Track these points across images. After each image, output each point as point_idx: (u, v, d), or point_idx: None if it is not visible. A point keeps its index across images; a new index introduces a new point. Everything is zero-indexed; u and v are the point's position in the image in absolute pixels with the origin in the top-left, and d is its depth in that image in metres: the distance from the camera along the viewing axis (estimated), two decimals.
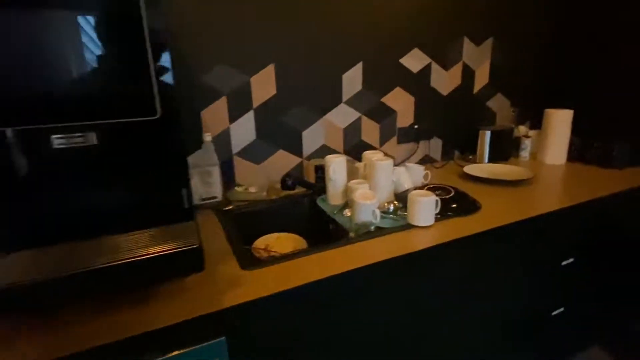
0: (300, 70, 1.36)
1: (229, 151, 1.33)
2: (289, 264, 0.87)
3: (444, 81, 1.68)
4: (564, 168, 1.61)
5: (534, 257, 1.22)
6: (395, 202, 1.13)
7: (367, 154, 1.26)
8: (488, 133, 1.70)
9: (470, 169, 1.54)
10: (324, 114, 1.46)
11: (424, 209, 1.01)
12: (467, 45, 1.68)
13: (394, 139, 1.64)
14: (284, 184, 1.15)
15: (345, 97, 1.48)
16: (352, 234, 1.01)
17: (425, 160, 1.74)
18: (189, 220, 0.81)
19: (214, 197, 1.26)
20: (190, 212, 0.80)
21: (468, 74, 1.73)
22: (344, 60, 1.43)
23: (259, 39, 1.27)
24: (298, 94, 1.38)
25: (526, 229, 1.13)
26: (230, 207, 1.25)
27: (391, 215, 1.08)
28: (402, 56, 1.54)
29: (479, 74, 1.76)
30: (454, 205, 1.13)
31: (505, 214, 1.12)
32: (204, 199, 1.25)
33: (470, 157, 1.77)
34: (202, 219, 1.15)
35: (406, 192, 1.23)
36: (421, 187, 1.22)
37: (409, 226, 1.03)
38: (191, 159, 1.21)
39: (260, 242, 1.24)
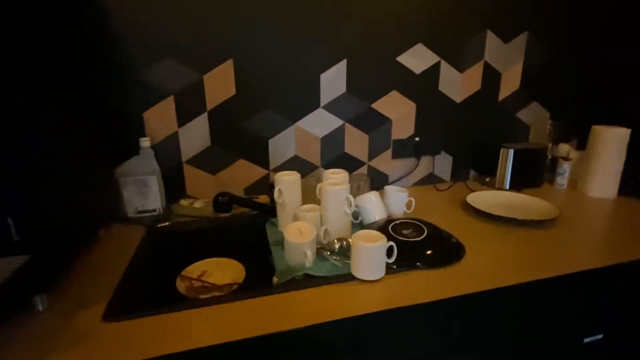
0: (266, 66, 1.15)
1: (178, 158, 1.16)
2: (170, 319, 0.67)
3: (458, 85, 1.36)
4: (613, 205, 1.22)
5: (537, 330, 0.89)
6: (349, 239, 0.87)
7: (328, 172, 1.01)
8: (510, 152, 1.35)
9: (476, 197, 1.21)
10: (297, 119, 1.23)
11: (369, 257, 0.75)
12: (492, 41, 1.34)
13: (388, 153, 1.36)
14: (216, 204, 0.95)
15: (324, 101, 1.24)
16: (275, 279, 0.79)
17: (429, 180, 1.44)
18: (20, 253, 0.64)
19: (152, 211, 1.10)
20: (20, 245, 0.63)
21: (491, 77, 1.39)
22: (324, 56, 1.19)
23: (214, 28, 1.08)
24: (263, 96, 1.17)
25: (527, 294, 0.81)
26: (166, 223, 1.08)
27: (334, 258, 0.83)
28: (400, 53, 1.26)
29: (508, 77, 1.41)
30: (429, 252, 0.85)
31: (496, 270, 0.81)
32: (139, 212, 1.09)
33: (488, 179, 1.43)
34: (125, 237, 0.99)
35: (374, 224, 0.97)
36: (395, 221, 0.95)
37: (348, 277, 0.77)
38: (126, 166, 1.06)
39: (196, 268, 1.06)
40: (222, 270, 1.07)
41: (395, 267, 0.79)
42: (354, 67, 1.23)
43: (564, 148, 1.44)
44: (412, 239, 0.86)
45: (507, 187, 1.38)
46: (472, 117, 1.42)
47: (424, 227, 0.91)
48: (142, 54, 1.05)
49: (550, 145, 1.47)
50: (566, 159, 1.37)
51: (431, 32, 1.27)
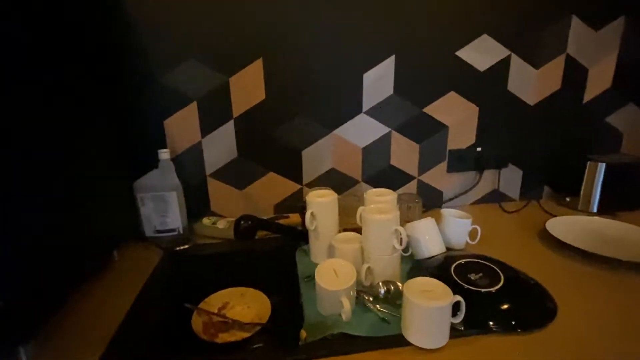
0: (300, 66, 0.99)
1: (202, 171, 1.04)
2: None
3: (532, 84, 1.11)
4: None
5: None
6: (398, 283, 0.69)
7: (372, 193, 0.83)
8: (601, 166, 1.08)
9: (557, 225, 0.96)
10: (335, 127, 1.06)
11: (429, 320, 0.55)
12: (578, 29, 1.08)
13: (443, 166, 1.15)
14: (237, 230, 0.80)
15: (367, 105, 1.06)
16: (302, 334, 0.62)
17: (492, 198, 1.20)
18: None
19: (172, 230, 0.98)
20: None
21: (575, 73, 1.13)
22: (367, 53, 1.01)
23: (240, 24, 0.94)
24: (296, 100, 1.02)
25: None
26: (186, 246, 0.96)
27: (378, 307, 0.65)
28: (460, 47, 1.05)
29: (596, 73, 1.14)
30: (505, 306, 0.64)
31: (603, 340, 0.58)
32: (158, 231, 0.98)
33: (569, 199, 1.17)
34: (140, 260, 0.88)
35: (430, 260, 0.78)
36: (458, 259, 0.75)
37: (398, 340, 0.58)
38: (144, 181, 0.95)
39: (217, 299, 0.92)
40: (246, 303, 0.92)
41: (462, 328, 0.60)
42: (403, 65, 1.03)
43: None
44: (484, 289, 0.65)
45: (595, 210, 1.11)
46: (549, 123, 1.16)
47: (498, 270, 0.69)
48: (162, 57, 0.93)
49: None
50: None
51: (499, 20, 1.04)
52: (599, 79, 1.15)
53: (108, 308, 0.69)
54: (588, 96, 1.16)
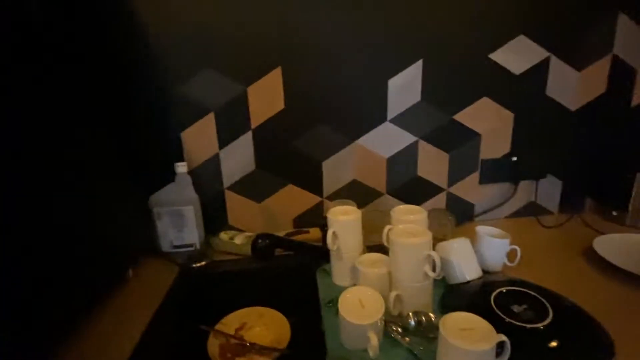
0: (321, 74, 0.94)
1: (219, 184, 1.00)
2: None
3: (573, 87, 1.02)
4: None
5: None
6: (430, 314, 0.62)
7: (399, 211, 0.76)
8: None
9: (607, 244, 0.87)
10: (357, 137, 1.00)
11: None
12: (625, 26, 0.98)
13: (475, 177, 1.07)
14: (254, 249, 0.75)
15: (392, 113, 0.99)
16: None
17: (529, 212, 1.11)
18: None
19: (189, 245, 0.95)
20: None
21: (622, 74, 1.02)
22: (392, 57, 0.95)
23: (258, 30, 0.90)
24: (317, 109, 0.97)
25: None
26: (202, 263, 0.92)
27: (407, 340, 0.59)
28: (494, 49, 0.97)
29: None
30: (554, 344, 0.56)
31: None
32: (175, 247, 0.95)
33: (615, 213, 1.06)
34: (156, 278, 0.85)
35: (465, 286, 0.71)
36: (498, 286, 0.67)
37: None
38: (161, 195, 0.92)
39: (235, 319, 0.88)
40: (265, 324, 0.87)
41: None
42: (432, 69, 0.96)
43: None
44: (529, 324, 0.57)
45: None
46: (593, 130, 1.06)
47: (544, 301, 0.61)
48: (178, 67, 0.90)
49: None
50: None
51: (537, 19, 0.95)
52: None
53: (121, 331, 0.66)
54: (637, 100, 1.05)
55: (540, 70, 1.00)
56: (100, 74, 0.80)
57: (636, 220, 1.02)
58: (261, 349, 0.81)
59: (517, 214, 1.11)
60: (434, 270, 0.62)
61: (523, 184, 1.08)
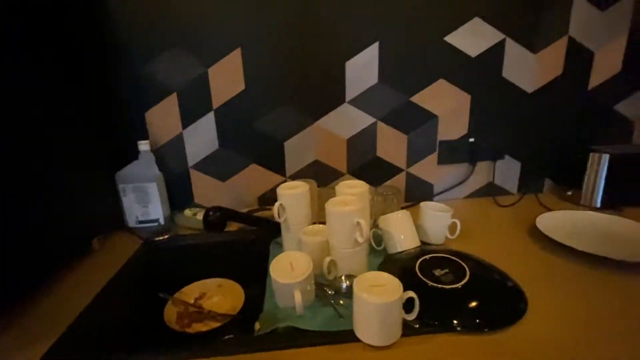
0: (281, 55, 0.97)
1: (184, 163, 1.04)
2: None
3: (530, 70, 1.04)
4: None
5: None
6: None
7: (343, 185, 0.80)
8: (604, 157, 1.00)
9: (550, 220, 0.90)
10: (317, 118, 1.04)
11: (376, 315, 0.53)
12: (581, 8, 1.00)
13: (433, 158, 1.10)
14: (206, 221, 0.80)
15: (350, 95, 1.02)
16: (256, 327, 0.61)
17: (488, 192, 1.15)
18: None
19: (154, 221, 1.00)
20: None
21: (579, 57, 1.04)
22: (349, 40, 0.98)
23: (219, 11, 0.93)
24: (277, 90, 1.00)
25: None
26: (165, 236, 0.97)
27: (340, 302, 0.63)
28: (449, 31, 0.99)
29: (603, 57, 1.05)
30: (472, 304, 0.60)
31: (577, 343, 0.54)
32: (140, 222, 0.99)
33: (571, 193, 1.09)
34: (119, 249, 0.89)
35: (400, 254, 0.75)
36: (426, 254, 0.71)
37: (349, 336, 0.56)
38: (125, 171, 0.96)
39: (195, 290, 0.93)
40: (223, 294, 0.93)
41: (417, 326, 0.57)
42: (388, 52, 0.99)
43: None
44: (447, 286, 0.61)
45: (598, 205, 1.03)
46: (550, 111, 1.09)
47: (465, 266, 0.65)
48: (142, 47, 0.94)
49: None
50: None
51: (492, 1, 0.97)
52: (607, 64, 1.06)
53: (78, 294, 0.71)
54: (594, 82, 1.07)
55: (496, 53, 1.02)
56: (66, 54, 0.83)
57: (589, 200, 1.05)
58: (216, 316, 0.86)
59: (476, 194, 1.15)
60: (362, 236, 0.66)
61: (481, 165, 1.12)
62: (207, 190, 1.07)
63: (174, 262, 0.95)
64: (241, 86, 0.99)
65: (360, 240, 0.66)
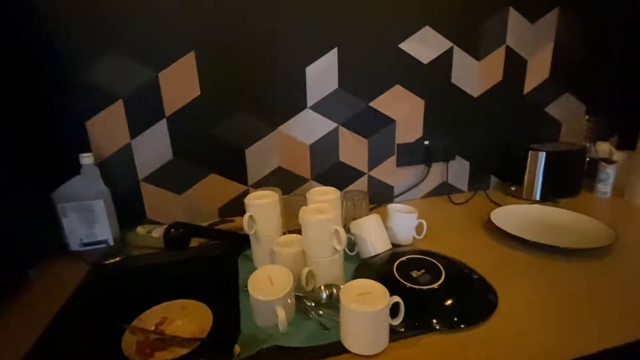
0: (237, 60, 0.93)
1: (134, 176, 0.95)
2: None
3: (474, 76, 1.12)
4: None
5: None
6: (340, 286, 0.65)
7: (314, 192, 0.79)
8: (542, 155, 1.11)
9: (502, 215, 0.98)
10: (279, 124, 1.01)
11: (365, 325, 0.52)
12: (515, 20, 1.10)
13: (392, 160, 1.14)
14: (167, 238, 0.73)
15: (311, 101, 1.01)
16: (236, 350, 0.57)
17: (442, 191, 1.21)
18: None
19: (102, 242, 0.89)
20: None
21: (515, 64, 1.15)
22: (308, 45, 0.97)
23: (169, 12, 0.86)
24: (236, 96, 0.96)
25: None
26: (117, 258, 0.87)
27: (321, 313, 0.61)
28: (403, 39, 1.03)
29: (535, 64, 1.17)
30: (448, 303, 0.62)
31: (547, 330, 0.58)
32: (85, 244, 0.88)
33: (514, 188, 1.19)
34: (62, 277, 0.78)
35: (375, 258, 0.75)
36: (401, 255, 0.73)
37: (336, 348, 0.55)
38: (65, 189, 0.85)
39: (155, 315, 0.84)
40: (187, 316, 0.85)
41: (402, 330, 0.57)
42: (347, 58, 1.00)
43: (604, 148, 1.20)
44: (425, 287, 0.63)
45: (538, 198, 1.14)
46: (493, 114, 1.18)
47: (440, 265, 0.68)
48: (81, 49, 0.84)
49: (587, 145, 1.22)
50: (609, 161, 1.13)
51: (441, 11, 1.03)
52: (538, 70, 1.18)
53: (17, 334, 0.61)
54: (528, 87, 1.19)
55: (445, 60, 1.08)
56: None
57: (530, 194, 1.15)
58: (182, 341, 0.79)
59: (431, 193, 1.20)
60: (340, 244, 0.65)
61: (435, 166, 1.17)
62: (161, 205, 0.99)
63: (129, 286, 0.86)
64: (196, 92, 0.93)
65: (338, 248, 0.65)
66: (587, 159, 1.20)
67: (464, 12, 1.05)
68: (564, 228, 0.92)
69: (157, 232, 0.92)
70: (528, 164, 1.14)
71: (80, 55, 0.84)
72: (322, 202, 0.73)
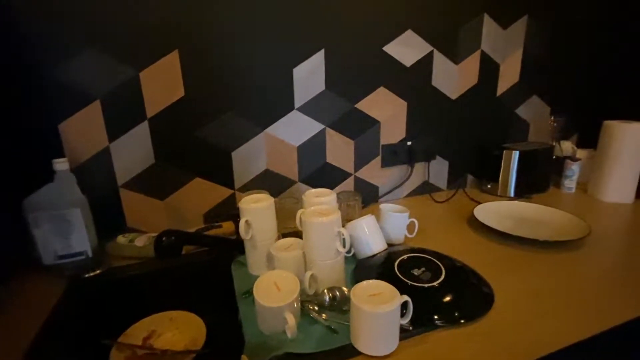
0: (223, 59, 0.90)
1: (112, 182, 0.89)
2: None
3: (453, 79, 1.17)
4: (632, 210, 1.07)
5: None
6: (343, 288, 0.65)
7: (310, 194, 0.78)
8: (515, 154, 1.18)
9: (485, 212, 1.02)
10: (267, 125, 0.99)
11: (379, 326, 0.52)
12: (489, 26, 1.16)
13: (377, 161, 1.15)
14: (158, 248, 0.69)
15: (299, 102, 1.01)
16: (243, 359, 0.55)
17: (423, 190, 1.24)
18: None
19: (79, 254, 0.83)
20: None
21: (489, 68, 1.21)
22: (296, 45, 0.96)
23: (151, 8, 0.82)
24: (221, 97, 0.93)
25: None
26: (97, 271, 0.81)
27: (324, 316, 0.61)
28: (387, 42, 1.05)
29: (506, 68, 1.24)
30: (447, 298, 0.64)
31: (543, 320, 0.62)
32: (60, 257, 0.82)
33: (489, 185, 1.25)
34: (37, 295, 0.72)
35: (373, 259, 0.75)
36: (399, 255, 0.74)
37: (348, 351, 0.54)
38: (37, 198, 0.78)
39: (142, 329, 0.80)
40: (177, 328, 0.81)
41: (410, 328, 0.58)
42: (333, 60, 1.00)
43: (567, 146, 1.30)
44: (427, 284, 0.64)
45: (512, 194, 1.21)
46: (469, 116, 1.23)
47: (438, 263, 0.70)
48: (53, 46, 0.77)
49: (554, 144, 1.31)
50: (574, 159, 1.22)
51: (421, 15, 1.06)
52: (509, 74, 1.25)
53: None
54: (500, 90, 1.25)
55: (426, 63, 1.12)
56: None
57: (505, 190, 1.22)
58: (174, 354, 0.75)
59: (414, 192, 1.24)
60: (344, 245, 0.65)
61: (417, 166, 1.21)
62: (143, 212, 0.94)
63: (112, 300, 0.81)
64: (180, 92, 0.89)
65: (341, 250, 0.65)
66: (554, 156, 1.28)
67: (444, 16, 1.09)
68: (540, 222, 0.98)
69: (141, 241, 0.87)
70: (503, 162, 1.20)
71: (53, 51, 0.77)
72: (319, 204, 0.73)
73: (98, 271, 0.81)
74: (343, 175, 1.12)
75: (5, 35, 0.74)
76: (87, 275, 0.80)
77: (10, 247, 0.77)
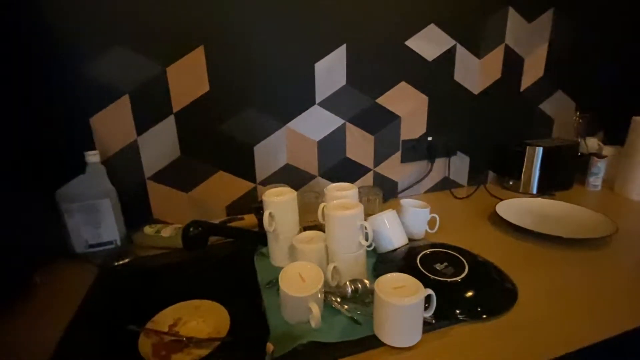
0: (247, 54, 0.92)
1: (140, 174, 0.92)
2: None
3: (475, 74, 1.15)
4: None
5: None
6: (365, 280, 0.66)
7: (332, 189, 0.79)
8: (539, 150, 1.15)
9: (506, 208, 1.01)
10: (288, 120, 1.00)
11: (403, 318, 0.53)
12: (514, 19, 1.14)
13: (397, 156, 1.15)
14: (186, 239, 0.72)
15: (320, 97, 1.01)
16: (269, 348, 0.56)
17: (443, 186, 1.24)
18: None
19: (108, 243, 0.86)
20: None
21: (513, 63, 1.19)
22: (318, 42, 0.96)
23: (178, 6, 0.84)
24: (245, 92, 0.94)
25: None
26: (126, 260, 0.84)
27: (346, 308, 0.62)
28: (409, 36, 1.04)
29: (531, 63, 1.21)
30: (470, 293, 0.64)
31: (569, 317, 0.61)
32: (91, 246, 0.85)
33: (511, 182, 1.24)
34: (69, 282, 0.75)
35: (394, 253, 0.76)
36: (421, 249, 0.74)
37: (371, 342, 0.55)
38: (69, 189, 0.81)
39: (168, 316, 0.82)
40: (202, 317, 0.83)
41: (433, 321, 0.58)
42: (354, 55, 1.00)
43: (593, 143, 1.26)
44: (450, 279, 0.65)
45: (535, 192, 1.19)
46: (491, 111, 1.21)
47: (461, 258, 0.69)
48: (85, 44, 0.80)
49: (578, 140, 1.28)
50: (600, 156, 1.19)
51: (444, 9, 1.05)
52: (533, 68, 1.22)
53: (31, 343, 0.58)
54: (524, 85, 1.23)
55: (448, 57, 1.10)
56: None
57: (527, 187, 1.20)
58: (199, 342, 0.77)
59: (433, 188, 1.23)
60: (366, 239, 0.66)
61: (438, 161, 1.20)
62: (168, 204, 0.96)
63: (141, 288, 0.83)
64: (205, 87, 0.91)
65: (364, 243, 0.66)
66: (579, 153, 1.25)
67: (467, 10, 1.07)
68: (564, 220, 0.96)
69: (167, 232, 0.89)
70: (525, 158, 1.18)
71: (84, 49, 0.80)
72: (341, 198, 0.74)
73: (127, 260, 0.84)
74: (362, 170, 1.12)
75: (43, 33, 0.77)
76: (116, 264, 0.83)
77: (44, 235, 0.80)
